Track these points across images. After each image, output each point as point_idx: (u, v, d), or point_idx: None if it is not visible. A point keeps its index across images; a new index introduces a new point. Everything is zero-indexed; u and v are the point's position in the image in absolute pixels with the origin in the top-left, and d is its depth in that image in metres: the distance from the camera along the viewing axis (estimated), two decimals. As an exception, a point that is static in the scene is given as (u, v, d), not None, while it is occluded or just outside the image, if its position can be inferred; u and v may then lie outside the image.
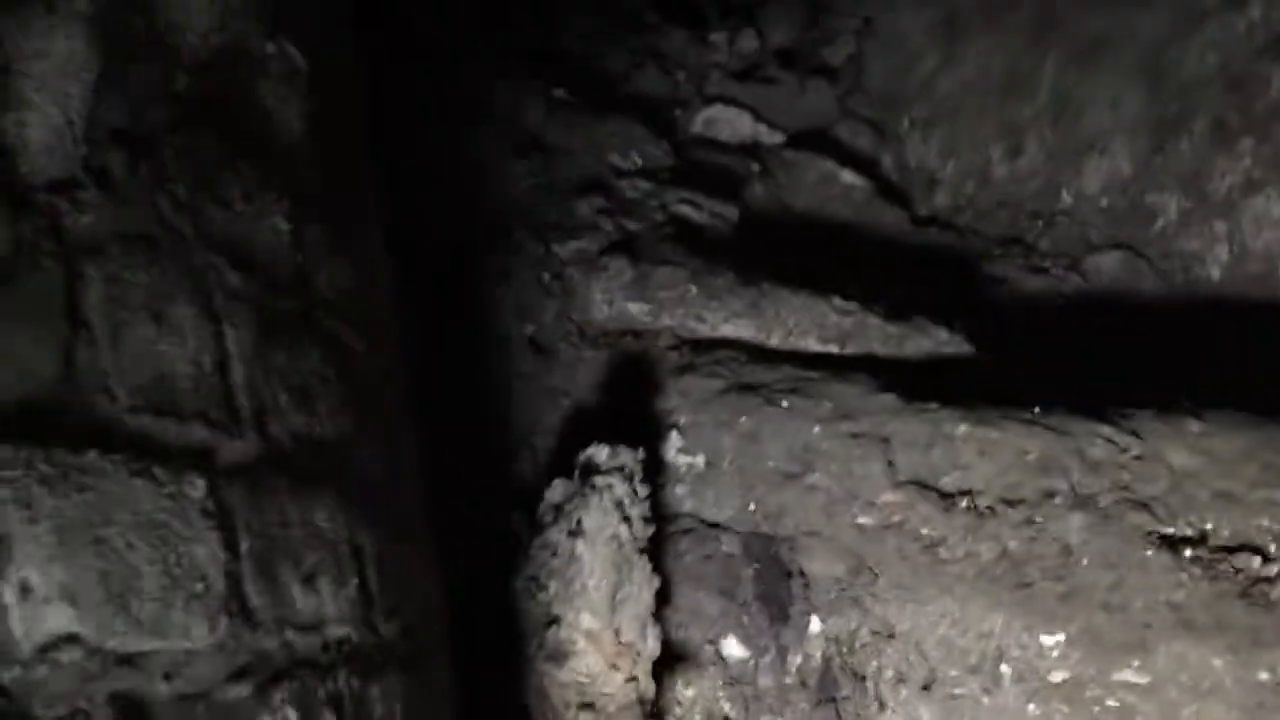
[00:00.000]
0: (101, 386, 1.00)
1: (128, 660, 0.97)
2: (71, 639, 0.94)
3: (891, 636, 2.31)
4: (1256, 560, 2.18)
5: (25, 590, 0.92)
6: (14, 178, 0.98)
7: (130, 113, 1.12)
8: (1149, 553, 2.20)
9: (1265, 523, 2.22)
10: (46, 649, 0.92)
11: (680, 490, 2.63)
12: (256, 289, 1.27)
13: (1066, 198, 3.84)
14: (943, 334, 3.05)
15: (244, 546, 1.13)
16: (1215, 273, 3.44)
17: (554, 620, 2.21)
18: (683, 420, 2.72)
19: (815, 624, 2.37)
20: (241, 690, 1.08)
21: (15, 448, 0.94)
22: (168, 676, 1.00)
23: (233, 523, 1.11)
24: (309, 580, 1.24)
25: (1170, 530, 2.23)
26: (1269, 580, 2.18)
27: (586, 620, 2.20)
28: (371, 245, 1.82)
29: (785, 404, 2.68)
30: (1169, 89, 3.54)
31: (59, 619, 0.93)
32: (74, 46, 1.07)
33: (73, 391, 0.99)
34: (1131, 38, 3.65)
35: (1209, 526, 2.21)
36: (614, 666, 2.23)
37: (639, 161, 3.76)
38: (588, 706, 2.22)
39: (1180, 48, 3.51)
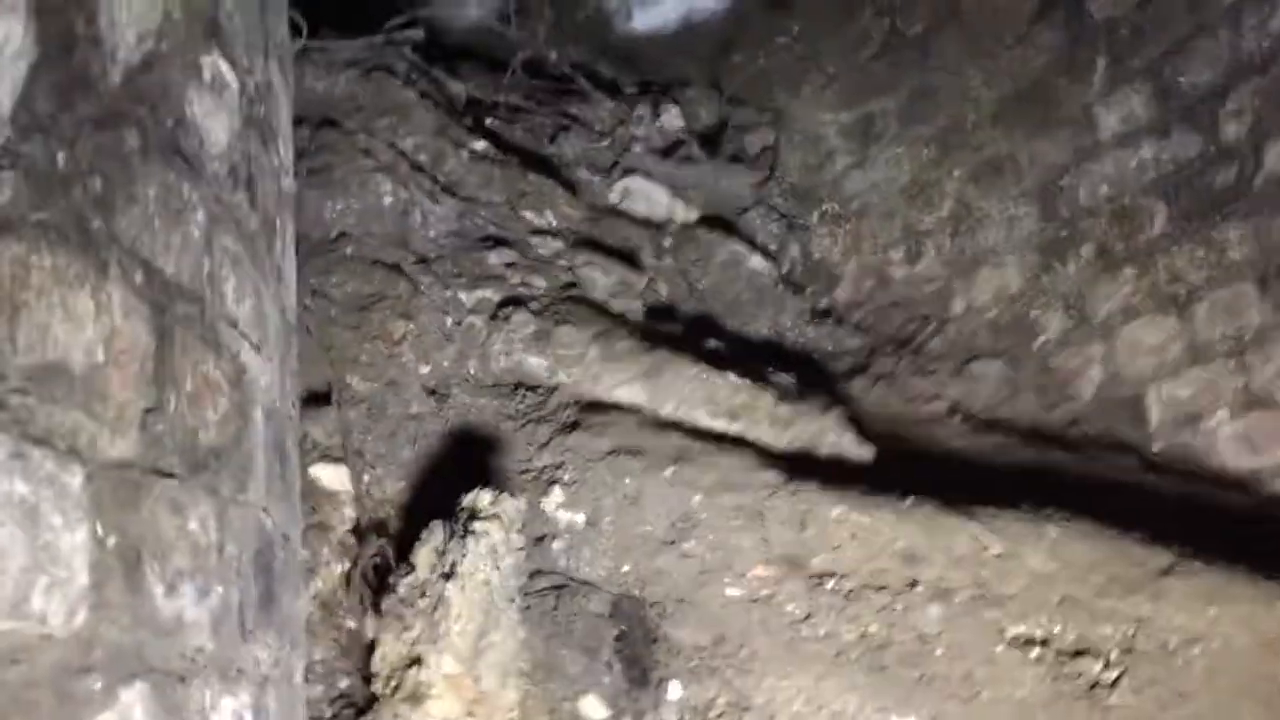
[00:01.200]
0: (-6, 363, 1.01)
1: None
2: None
3: (747, 709, 2.35)
4: (1098, 665, 2.28)
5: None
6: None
7: (59, 103, 1.14)
8: (999, 649, 2.28)
9: (1108, 630, 2.33)
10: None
11: (557, 545, 2.65)
12: (159, 291, 1.28)
13: (958, 305, 4.01)
14: (828, 421, 3.14)
15: (111, 541, 1.13)
16: (1088, 391, 3.61)
17: (415, 661, 2.21)
18: (566, 477, 2.75)
19: (675, 690, 2.39)
20: (91, 684, 1.07)
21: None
22: (15, 661, 0.99)
23: (104, 516, 1.12)
24: (173, 584, 1.24)
25: (1021, 629, 2.32)
26: (1108, 686, 2.28)
27: (449, 664, 2.20)
28: (280, 265, 1.83)
29: (669, 471, 2.73)
30: (1061, 213, 3.74)
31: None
32: (12, 33, 1.09)
33: (-39, 365, 0.99)
34: (1032, 162, 3.85)
35: (1056, 629, 2.30)
36: (470, 714, 2.23)
37: (553, 221, 3.82)
38: (439, 752, 2.21)
39: (1075, 176, 3.71)
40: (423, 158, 3.63)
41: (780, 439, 3.06)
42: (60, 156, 1.13)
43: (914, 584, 2.43)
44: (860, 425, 3.31)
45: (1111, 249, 3.57)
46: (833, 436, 3.13)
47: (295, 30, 3.58)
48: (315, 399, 2.80)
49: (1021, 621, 2.34)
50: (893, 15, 4.30)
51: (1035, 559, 2.45)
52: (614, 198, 4.17)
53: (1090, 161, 3.67)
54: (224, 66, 1.54)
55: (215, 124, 1.50)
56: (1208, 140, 3.33)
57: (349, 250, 3.19)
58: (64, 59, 1.15)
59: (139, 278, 1.24)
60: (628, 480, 2.71)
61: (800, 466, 2.78)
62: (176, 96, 1.39)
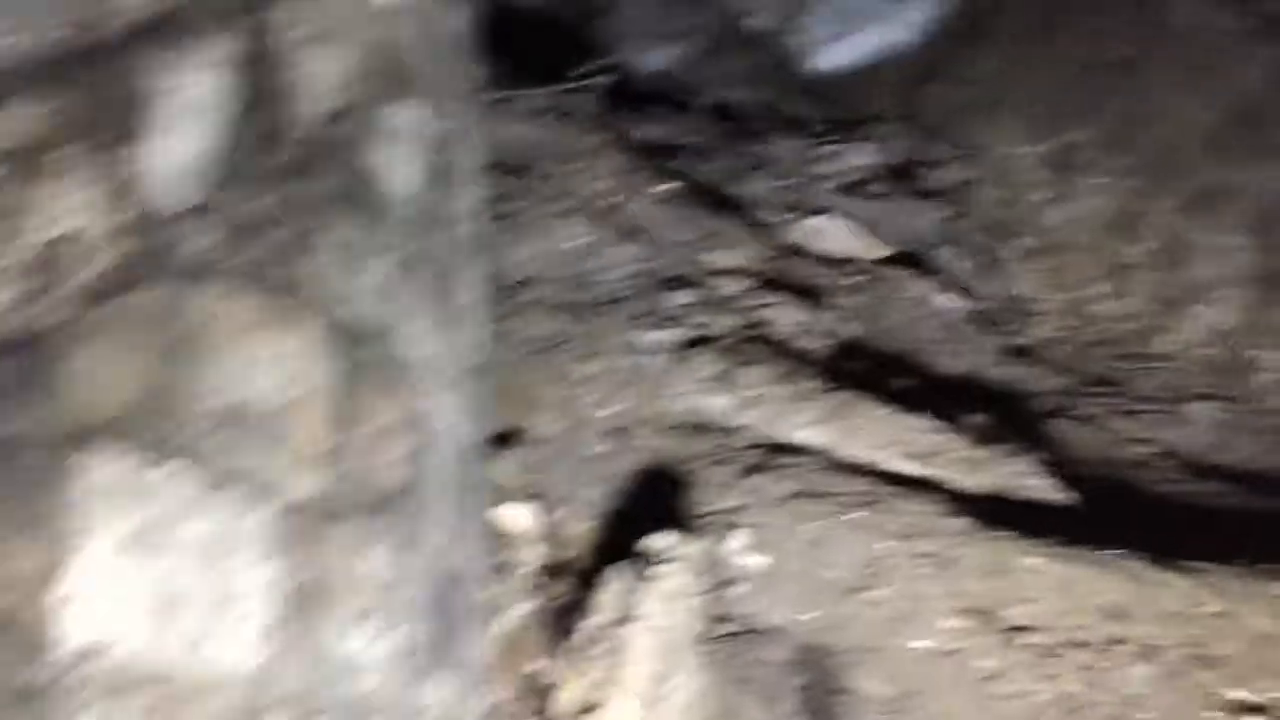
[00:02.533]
0: (185, 403, 1.05)
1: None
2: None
3: (937, 768, 2.24)
4: (1328, 737, 2.09)
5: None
6: (137, 201, 1.04)
7: (254, 154, 1.19)
8: (1214, 715, 2.11)
9: (1341, 699, 2.13)
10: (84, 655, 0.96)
11: (739, 591, 2.61)
12: (344, 334, 1.32)
13: (1167, 343, 3.78)
14: (1025, 464, 3.00)
15: (291, 582, 1.16)
16: (1315, 435, 3.35)
17: (594, 705, 2.19)
18: (748, 520, 2.70)
19: (860, 744, 2.31)
20: (269, 722, 1.10)
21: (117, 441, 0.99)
22: (194, 700, 1.02)
23: (284, 557, 1.14)
24: (352, 625, 1.26)
25: (1239, 694, 2.15)
26: (1340, 760, 2.08)
27: (628, 709, 2.18)
28: (463, 309, 1.87)
29: (856, 515, 2.65)
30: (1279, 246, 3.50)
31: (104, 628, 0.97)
32: (217, 87, 1.14)
33: (160, 404, 1.03)
34: (1245, 191, 3.62)
35: (1277, 695, 2.12)
36: (650, 760, 2.20)
37: (736, 261, 3.80)
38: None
39: (1296, 206, 3.47)
40: (609, 201, 3.68)
41: (974, 483, 2.94)
42: (254, 205, 1.17)
43: (1119, 641, 2.28)
44: (1061, 469, 3.15)
45: (1339, 284, 3.32)
46: (1031, 480, 2.98)
47: (489, 80, 3.72)
48: (500, 440, 2.85)
49: (1240, 686, 2.16)
50: (1094, 40, 4.12)
51: (1256, 618, 2.27)
52: (799, 236, 4.12)
53: (1314, 190, 3.42)
54: (412, 115, 1.58)
55: (400, 172, 1.54)
56: None
57: (534, 294, 3.24)
58: (260, 111, 1.20)
59: (326, 321, 1.27)
60: (812, 525, 2.64)
61: (995, 512, 2.65)
62: (363, 146, 1.44)
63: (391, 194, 1.50)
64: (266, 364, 1.14)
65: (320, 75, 1.31)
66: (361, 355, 1.34)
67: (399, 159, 1.53)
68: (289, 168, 1.24)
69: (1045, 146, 4.21)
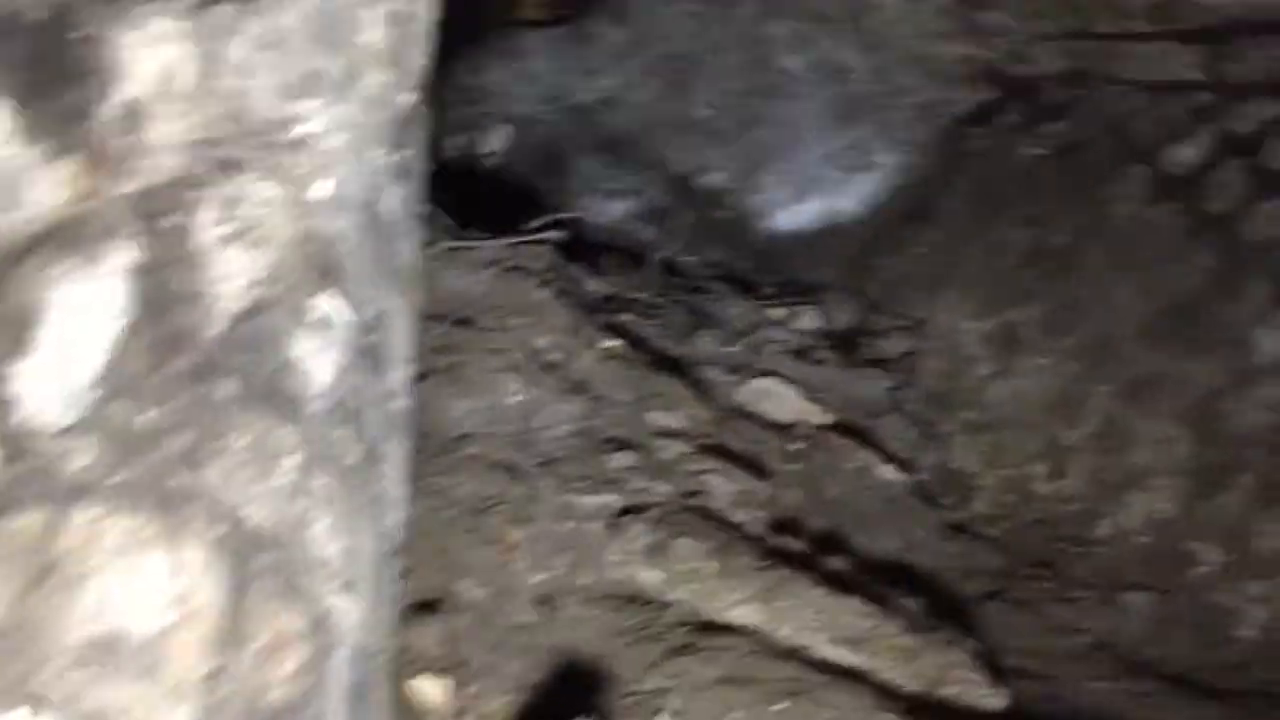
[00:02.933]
0: (49, 638, 0.98)
1: None
2: None
3: None
4: None
5: None
6: (16, 422, 0.99)
7: (153, 360, 1.15)
8: None
9: None
10: None
11: (659, 780, 2.51)
12: (242, 542, 1.26)
13: (1105, 527, 3.79)
14: (958, 656, 2.95)
15: None
16: (1249, 634, 3.33)
17: None
18: (673, 705, 2.62)
19: None
20: None
21: None
22: None
23: None
24: None
25: None
26: None
27: None
28: (385, 490, 1.81)
29: (782, 706, 2.58)
30: (1217, 439, 3.53)
31: None
32: (111, 293, 1.10)
33: (20, 642, 0.97)
34: (1185, 383, 3.67)
35: None
36: None
37: (680, 423, 3.78)
38: None
39: (1232, 401, 3.52)
40: (553, 356, 3.65)
41: (905, 673, 2.88)
42: (148, 415, 1.13)
43: None
44: (995, 659, 3.10)
45: (1274, 480, 3.34)
46: (962, 673, 2.93)
47: (439, 231, 3.73)
48: (422, 607, 2.76)
49: None
50: (1037, 225, 4.22)
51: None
52: (744, 398, 4.12)
53: (1248, 386, 3.48)
54: (336, 304, 1.55)
55: (321, 362, 1.50)
56: (1379, 372, 3.12)
57: (472, 450, 3.19)
58: (163, 316, 1.17)
59: (220, 531, 1.22)
60: (736, 714, 2.56)
61: (924, 710, 2.59)
62: (281, 340, 1.40)
63: (309, 387, 1.46)
64: (146, 587, 1.08)
65: (237, 274, 1.28)
66: (259, 563, 1.29)
67: (320, 350, 1.49)
68: (195, 371, 1.20)
69: (987, 324, 4.27)
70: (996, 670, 3.04)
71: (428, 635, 2.70)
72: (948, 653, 2.96)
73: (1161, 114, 3.86)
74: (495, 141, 5.79)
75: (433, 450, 3.28)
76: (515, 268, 3.79)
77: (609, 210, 5.16)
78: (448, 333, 3.51)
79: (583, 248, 4.36)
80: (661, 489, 3.37)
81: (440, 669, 2.66)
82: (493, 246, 3.79)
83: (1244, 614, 3.34)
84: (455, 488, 3.10)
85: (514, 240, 3.86)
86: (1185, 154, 3.77)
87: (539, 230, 3.96)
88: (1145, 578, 3.58)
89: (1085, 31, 4.08)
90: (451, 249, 3.72)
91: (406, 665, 2.60)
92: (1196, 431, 3.60)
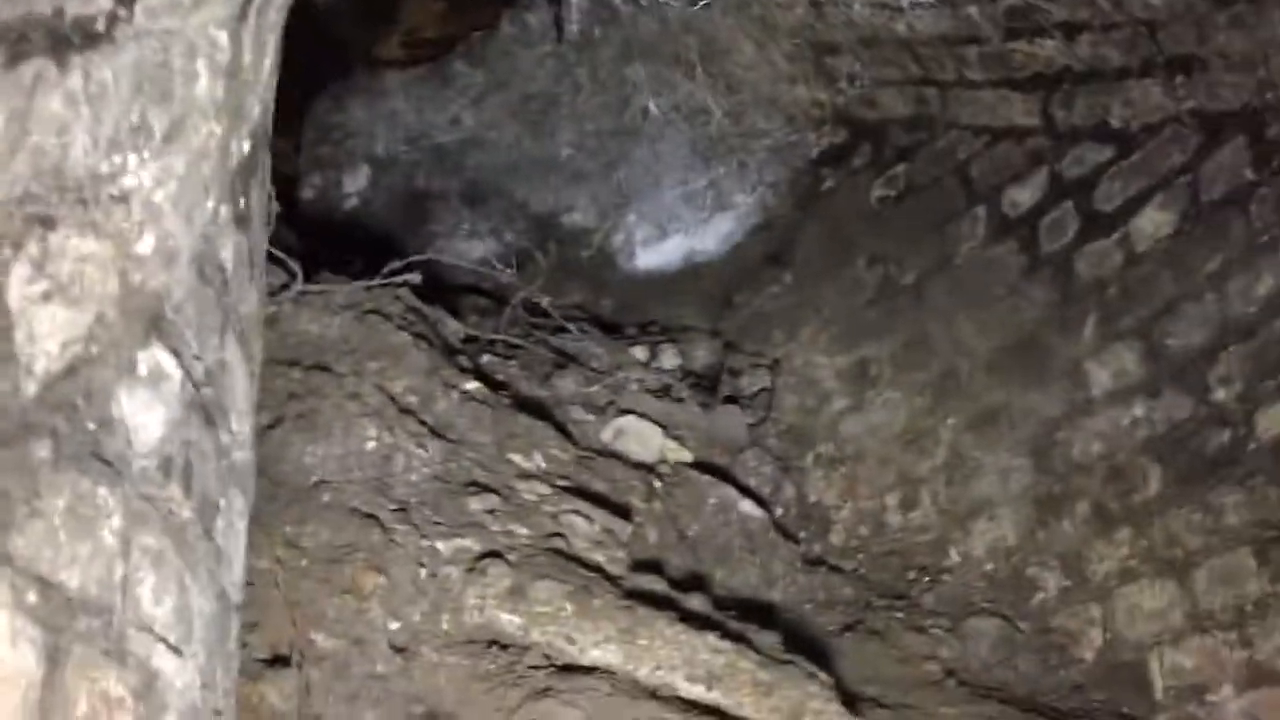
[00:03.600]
0: None
1: None
2: None
3: None
4: None
5: None
6: None
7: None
8: None
9: None
10: None
11: (517, 826, 2.50)
12: (58, 608, 1.23)
13: (954, 556, 3.91)
14: (813, 688, 3.01)
15: None
16: (1089, 655, 3.47)
17: None
18: (532, 751, 2.62)
19: None
20: None
21: None
22: None
23: None
24: None
25: None
26: None
27: None
28: (222, 545, 1.78)
29: (640, 746, 2.60)
30: (1055, 468, 3.68)
31: None
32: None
33: None
34: (1026, 414, 3.82)
35: None
36: None
37: (541, 464, 3.78)
38: None
39: (1069, 431, 3.68)
40: (412, 400, 3.62)
41: (762, 707, 2.92)
42: (-44, 482, 1.09)
43: None
44: (849, 691, 3.17)
45: (1107, 508, 3.50)
46: (818, 704, 2.98)
47: (291, 275, 3.67)
48: (277, 660, 2.71)
49: None
50: (886, 264, 4.36)
51: None
52: (607, 437, 4.14)
53: (1084, 417, 3.64)
54: (165, 358, 1.52)
55: (148, 418, 1.47)
56: (1199, 402, 3.30)
57: (326, 498, 3.14)
58: (-29, 382, 1.14)
59: (33, 598, 1.18)
60: (595, 757, 2.57)
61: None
62: (104, 397, 1.37)
63: (134, 445, 1.43)
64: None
65: (54, 333, 1.25)
66: (78, 628, 1.25)
67: (146, 406, 1.46)
68: (7, 435, 1.17)
69: (842, 360, 4.39)
70: (851, 701, 3.11)
71: (279, 689, 2.65)
72: (804, 685, 3.01)
73: (999, 158, 4.03)
74: (354, 181, 5.74)
75: (286, 499, 3.22)
76: (372, 311, 3.75)
77: (469, 251, 5.15)
78: (303, 378, 3.45)
79: (442, 290, 4.35)
80: (522, 532, 3.36)
81: (292, 723, 2.61)
82: (349, 290, 3.74)
83: (1082, 636, 3.48)
84: (309, 536, 3.04)
85: (370, 284, 3.82)
86: (1022, 196, 3.95)
87: (396, 273, 3.92)
88: (992, 604, 3.71)
89: (928, 79, 4.26)
90: (306, 293, 3.66)
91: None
92: (1036, 461, 3.75)
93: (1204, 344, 3.30)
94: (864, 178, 4.55)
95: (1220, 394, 3.24)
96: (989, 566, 3.79)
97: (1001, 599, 3.70)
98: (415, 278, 3.94)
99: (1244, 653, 3.08)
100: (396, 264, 3.96)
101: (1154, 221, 3.49)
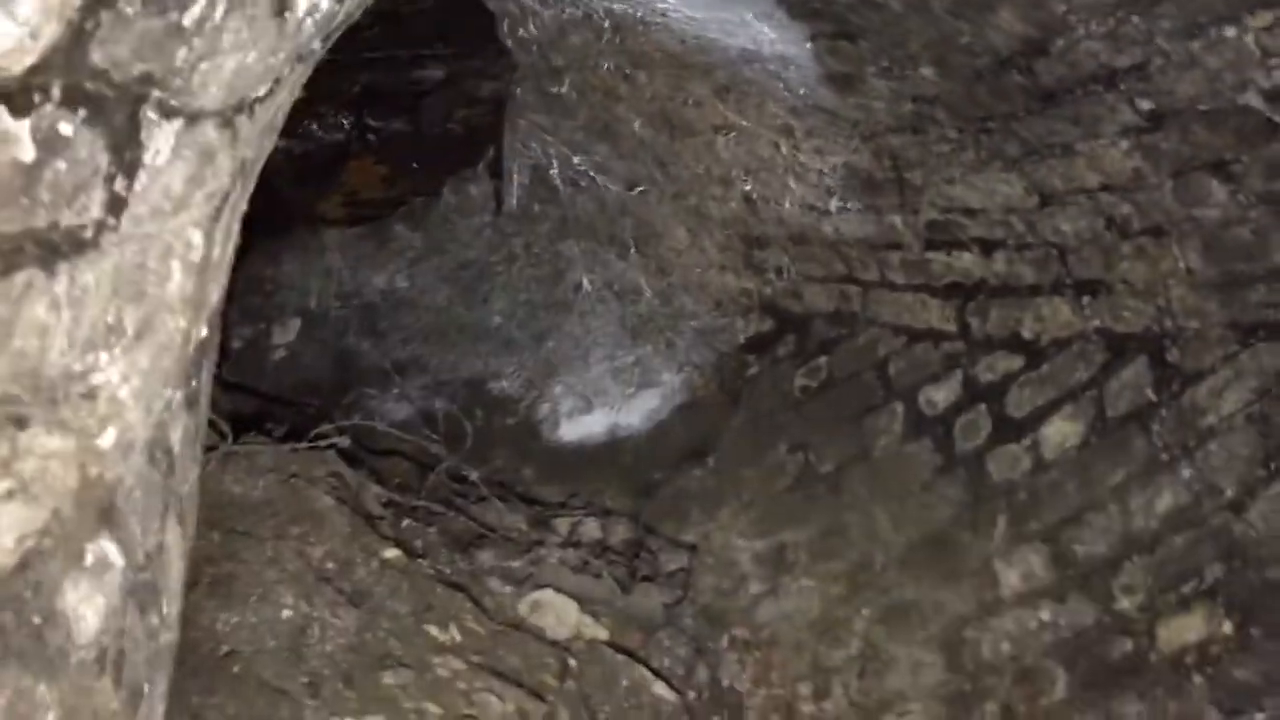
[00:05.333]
0: None
1: None
2: None
3: None
4: None
5: None
6: None
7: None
8: None
9: None
10: None
11: None
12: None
13: (863, 752, 3.92)
14: None
15: None
16: None
17: None
18: None
19: None
20: None
21: None
22: None
23: None
24: None
25: None
26: None
27: None
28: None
29: None
30: (966, 666, 3.74)
31: None
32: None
33: None
34: (938, 610, 3.90)
35: None
36: None
37: (457, 637, 3.74)
38: None
39: (979, 629, 3.75)
40: (331, 566, 3.60)
41: None
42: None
43: None
44: None
45: (1015, 709, 3.56)
46: None
47: (219, 435, 3.66)
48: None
49: None
50: (806, 451, 4.47)
51: None
52: (523, 610, 4.12)
53: (993, 616, 3.72)
54: (111, 548, 1.53)
55: (89, 609, 1.47)
56: (1103, 610, 3.40)
57: (237, 669, 3.08)
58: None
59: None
60: None
61: None
62: (50, 591, 1.38)
63: (73, 637, 1.43)
64: None
65: (10, 530, 1.27)
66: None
67: (88, 597, 1.46)
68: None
69: (760, 543, 4.45)
70: None
71: None
72: None
73: (916, 358, 4.21)
74: (284, 334, 5.76)
75: (194, 666, 3.14)
76: (296, 474, 3.74)
77: (395, 413, 5.17)
78: (223, 541, 3.42)
79: (366, 453, 4.35)
80: (434, 710, 3.31)
81: None
82: (274, 452, 3.74)
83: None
84: (215, 709, 2.97)
85: (296, 446, 3.82)
86: (938, 396, 4.11)
87: (323, 437, 3.93)
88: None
89: (851, 277, 4.46)
90: (231, 453, 3.65)
91: None
92: (947, 658, 3.80)
93: (1108, 553, 3.43)
94: (787, 366, 4.70)
95: (1124, 603, 3.36)
96: (898, 765, 3.80)
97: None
98: (343, 442, 3.96)
99: None
100: (325, 428, 3.98)
101: (1061, 431, 3.65)
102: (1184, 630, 3.19)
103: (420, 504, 4.29)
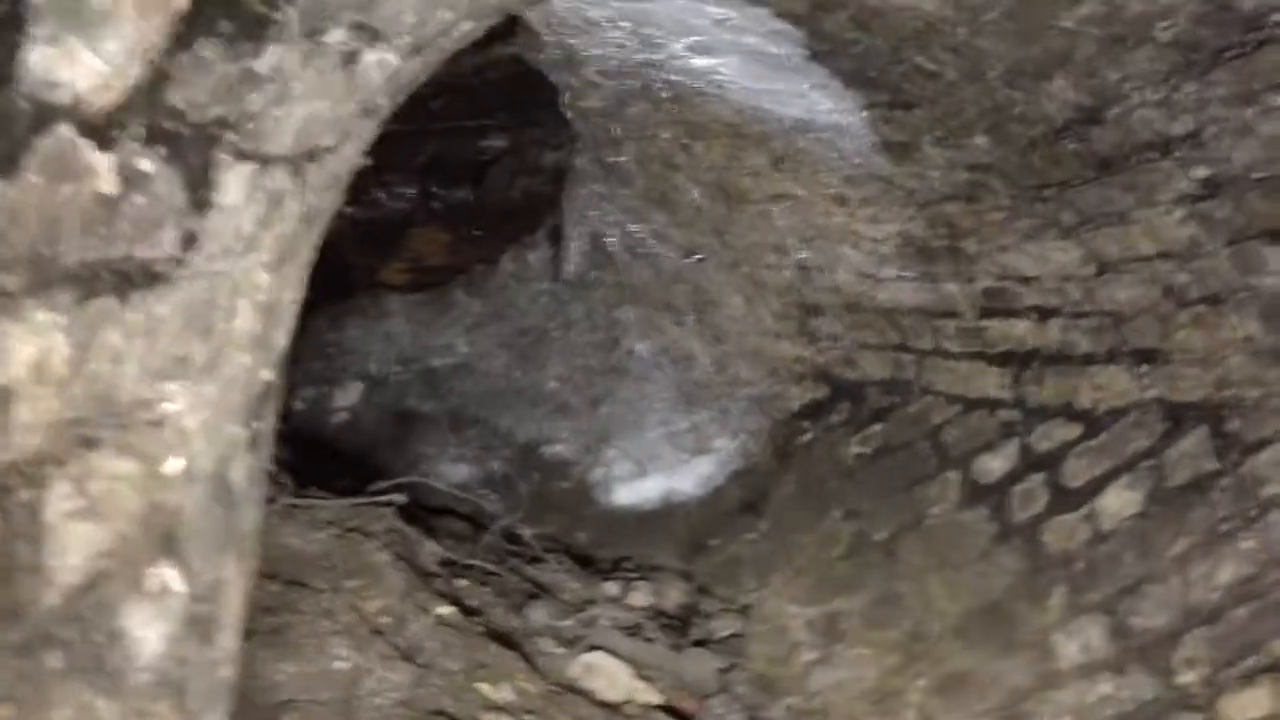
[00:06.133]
0: None
1: None
2: None
3: None
4: None
5: None
6: None
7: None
8: None
9: None
10: None
11: None
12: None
13: (918, 830, 3.84)
14: None
15: None
16: None
17: None
18: None
19: None
20: None
21: None
22: None
23: None
24: None
25: None
26: None
27: None
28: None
29: None
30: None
31: None
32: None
33: None
34: (994, 681, 3.83)
35: None
36: None
37: (509, 696, 3.75)
38: None
39: (1037, 702, 3.68)
40: (385, 621, 3.63)
41: None
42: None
43: None
44: None
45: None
46: None
47: (280, 487, 3.74)
48: None
49: None
50: (860, 519, 4.45)
51: None
52: (575, 672, 4.11)
53: (1051, 689, 3.65)
54: (172, 575, 1.59)
55: (150, 633, 1.52)
56: (1164, 684, 3.33)
57: (290, 718, 3.11)
58: (2, 588, 1.20)
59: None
60: None
61: None
62: (113, 612, 1.43)
63: (135, 659, 1.48)
64: None
65: (80, 547, 1.32)
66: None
67: (150, 621, 1.52)
68: (25, 643, 1.22)
69: (813, 611, 4.41)
70: None
71: None
72: None
73: (971, 426, 4.19)
74: (346, 397, 5.87)
75: (248, 716, 3.18)
76: (354, 529, 3.80)
77: (453, 474, 5.24)
78: (280, 592, 3.47)
79: (423, 511, 4.40)
80: (483, 770, 3.32)
81: None
82: (333, 507, 3.80)
83: None
84: (269, 757, 3.00)
85: (356, 501, 3.89)
86: (993, 464, 4.08)
87: (382, 493, 4.00)
88: None
89: (905, 345, 4.47)
90: (289, 507, 3.72)
91: None
92: (1007, 732, 3.74)
93: (1168, 626, 3.37)
94: (841, 433, 4.70)
95: (1185, 677, 3.28)
96: (956, 841, 3.72)
97: None
98: (401, 499, 4.01)
99: None
100: (383, 484, 4.04)
101: (1119, 500, 3.61)
102: (1247, 706, 3.12)
103: (475, 562, 4.32)
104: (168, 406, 1.49)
